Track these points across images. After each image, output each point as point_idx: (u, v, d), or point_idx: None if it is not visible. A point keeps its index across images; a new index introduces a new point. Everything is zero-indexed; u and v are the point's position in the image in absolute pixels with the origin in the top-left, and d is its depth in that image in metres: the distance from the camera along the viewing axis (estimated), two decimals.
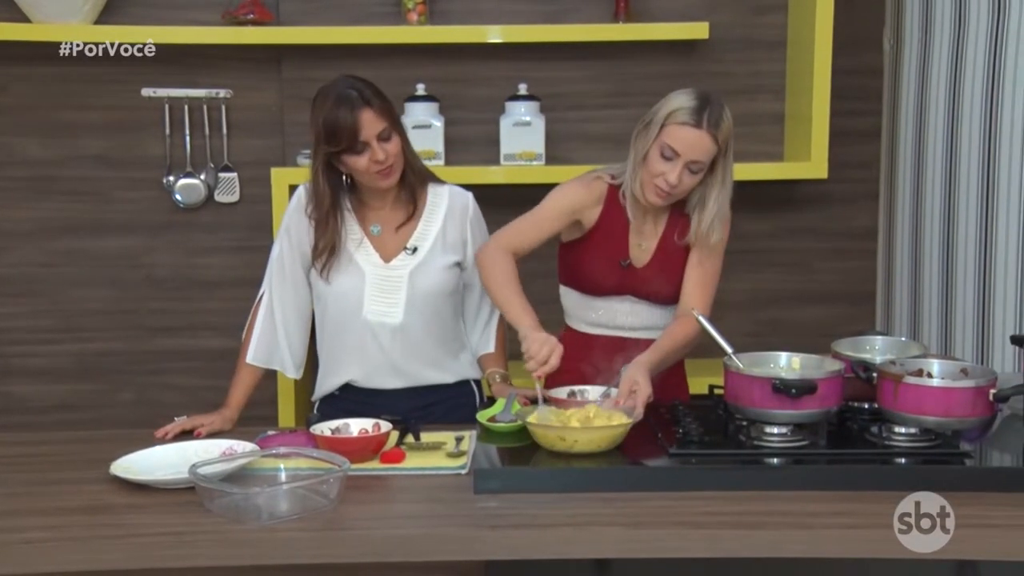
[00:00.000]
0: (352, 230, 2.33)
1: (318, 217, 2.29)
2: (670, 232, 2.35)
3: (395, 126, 2.24)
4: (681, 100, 2.18)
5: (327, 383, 2.41)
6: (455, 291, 2.39)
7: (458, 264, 2.38)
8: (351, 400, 2.36)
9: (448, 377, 2.41)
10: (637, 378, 2.08)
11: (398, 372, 2.35)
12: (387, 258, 2.33)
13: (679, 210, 2.34)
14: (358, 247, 2.32)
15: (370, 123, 2.18)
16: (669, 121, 2.17)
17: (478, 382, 2.49)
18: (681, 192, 2.24)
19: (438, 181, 2.41)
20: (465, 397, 2.45)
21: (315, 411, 2.37)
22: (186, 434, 2.16)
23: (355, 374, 2.37)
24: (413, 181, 2.33)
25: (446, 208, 2.37)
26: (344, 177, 2.30)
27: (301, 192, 2.35)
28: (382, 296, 2.31)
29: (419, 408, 2.30)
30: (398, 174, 2.27)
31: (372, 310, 2.31)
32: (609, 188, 2.34)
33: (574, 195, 2.34)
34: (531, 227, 2.33)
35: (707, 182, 2.25)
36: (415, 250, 2.33)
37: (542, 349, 2.09)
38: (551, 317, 2.36)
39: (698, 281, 2.32)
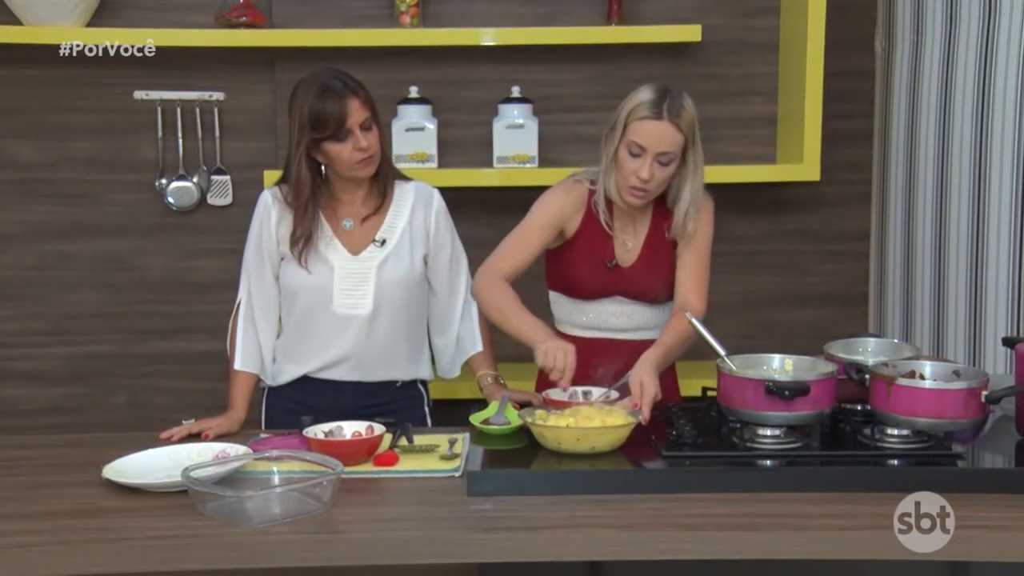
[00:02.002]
0: (322, 227, 2.36)
1: (297, 205, 2.32)
2: (655, 230, 2.36)
3: (376, 117, 2.31)
4: (640, 96, 2.22)
5: (285, 374, 2.43)
6: (422, 281, 2.42)
7: (425, 256, 2.41)
8: (301, 390, 2.40)
9: (403, 375, 2.44)
10: (643, 378, 2.08)
11: (357, 365, 2.38)
12: (356, 251, 2.36)
13: (662, 206, 2.34)
14: (328, 244, 2.35)
15: (356, 111, 2.25)
16: (631, 118, 2.20)
17: (425, 383, 2.52)
18: (655, 187, 2.25)
19: (404, 178, 2.46)
20: (412, 400, 2.48)
21: (264, 401, 2.44)
22: (193, 437, 2.16)
23: (314, 366, 2.39)
24: (387, 173, 2.39)
25: (412, 200, 2.41)
26: (321, 168, 2.34)
27: (267, 197, 2.39)
28: (351, 289, 2.33)
29: (367, 406, 2.32)
30: (376, 164, 2.33)
31: (342, 303, 2.34)
32: (590, 192, 2.34)
33: (558, 204, 2.35)
34: (519, 246, 2.33)
35: (681, 174, 2.27)
36: (384, 242, 2.36)
37: (557, 357, 2.10)
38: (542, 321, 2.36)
39: (691, 274, 2.33)
